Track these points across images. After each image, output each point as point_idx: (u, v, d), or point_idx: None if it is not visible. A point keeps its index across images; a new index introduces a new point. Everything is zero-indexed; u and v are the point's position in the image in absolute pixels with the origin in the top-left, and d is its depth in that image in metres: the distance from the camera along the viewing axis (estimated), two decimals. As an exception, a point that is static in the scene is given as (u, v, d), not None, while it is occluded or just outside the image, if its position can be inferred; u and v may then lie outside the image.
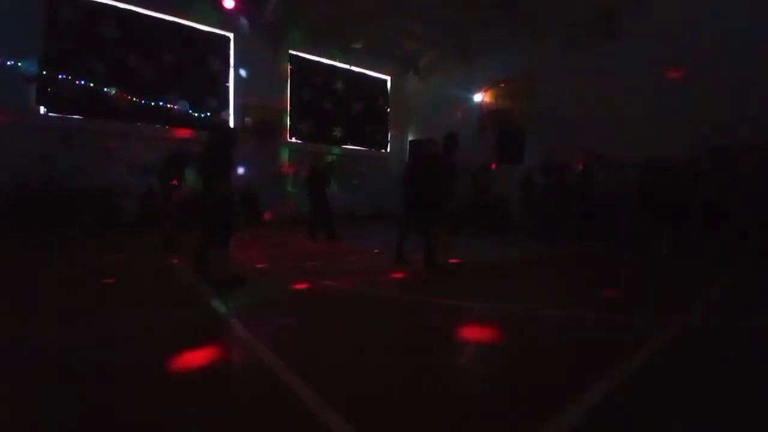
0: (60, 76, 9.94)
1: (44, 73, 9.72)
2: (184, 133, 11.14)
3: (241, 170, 10.64)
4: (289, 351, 2.35)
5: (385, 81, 16.55)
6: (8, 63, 9.23)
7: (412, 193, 4.99)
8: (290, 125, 14.04)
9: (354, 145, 15.54)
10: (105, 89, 10.45)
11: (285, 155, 13.74)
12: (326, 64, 14.82)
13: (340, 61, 14.73)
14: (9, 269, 4.86)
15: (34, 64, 9.52)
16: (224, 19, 11.98)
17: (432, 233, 4.90)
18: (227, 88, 12.68)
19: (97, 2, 10.59)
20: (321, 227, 8.05)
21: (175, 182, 6.26)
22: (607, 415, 1.70)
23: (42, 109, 9.97)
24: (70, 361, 2.21)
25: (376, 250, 6.78)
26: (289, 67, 13.97)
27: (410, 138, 16.04)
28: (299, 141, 14.27)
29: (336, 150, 14.83)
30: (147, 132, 11.13)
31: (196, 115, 11.72)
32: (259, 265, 5.29)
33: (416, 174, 5.03)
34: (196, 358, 2.29)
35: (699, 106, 7.87)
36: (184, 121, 11.50)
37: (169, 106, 11.32)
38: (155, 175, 6.90)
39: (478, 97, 13.26)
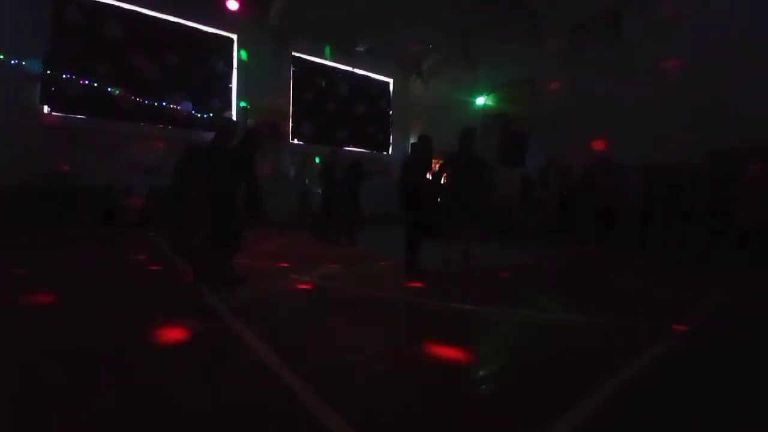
0: (64, 76, 9.96)
1: (48, 72, 9.73)
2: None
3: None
4: (289, 351, 2.36)
5: (387, 83, 16.58)
6: (12, 62, 9.25)
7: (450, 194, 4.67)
8: (292, 127, 14.07)
9: (356, 147, 15.56)
10: (109, 89, 10.47)
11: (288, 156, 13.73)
12: (329, 66, 14.86)
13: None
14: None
15: (38, 63, 9.54)
16: (228, 20, 12.03)
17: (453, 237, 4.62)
18: (230, 89, 12.72)
19: (101, 2, 10.63)
20: (338, 228, 7.55)
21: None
22: (608, 418, 1.72)
23: (46, 109, 9.98)
24: (67, 358, 2.23)
25: (379, 251, 6.79)
26: (291, 68, 14.01)
27: (412, 140, 16.06)
28: (301, 143, 14.30)
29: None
30: (150, 132, 11.16)
31: (199, 115, 11.74)
32: (261, 266, 5.30)
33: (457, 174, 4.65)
34: (195, 357, 2.30)
35: (701, 109, 7.90)
36: (187, 121, 11.52)
37: (172, 106, 11.34)
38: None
39: (480, 100, 13.30)
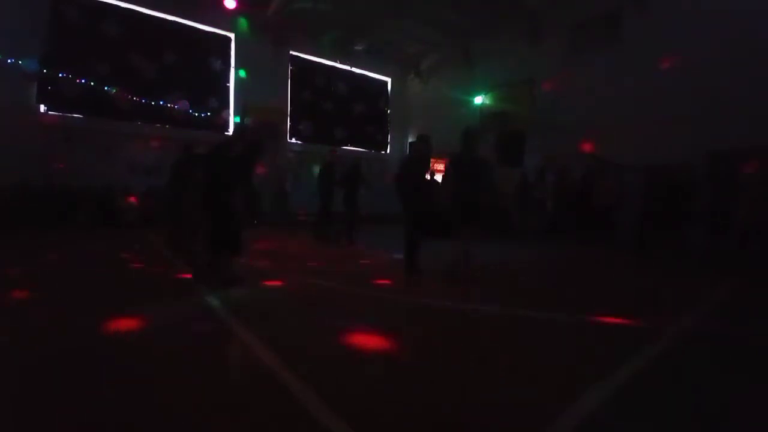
0: (61, 75, 9.94)
1: (45, 71, 9.72)
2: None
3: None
4: (289, 351, 2.36)
5: (385, 83, 16.58)
6: (9, 61, 9.23)
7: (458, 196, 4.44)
8: (290, 126, 14.07)
9: (354, 146, 15.56)
10: (106, 88, 10.45)
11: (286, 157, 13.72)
12: (327, 65, 14.85)
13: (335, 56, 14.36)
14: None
15: (35, 62, 9.52)
16: (226, 19, 12.02)
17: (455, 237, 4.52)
18: (228, 88, 12.71)
19: (99, 1, 10.61)
20: (337, 228, 7.59)
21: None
22: (608, 418, 1.72)
23: (42, 108, 9.97)
24: (67, 358, 2.22)
25: (379, 251, 6.79)
26: (290, 67, 14.00)
27: (410, 140, 16.07)
28: (299, 142, 14.30)
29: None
30: (147, 131, 11.15)
31: (196, 115, 11.73)
32: (260, 266, 5.29)
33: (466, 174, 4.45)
34: (194, 357, 2.30)
35: (700, 109, 7.90)
36: (185, 120, 11.51)
37: (169, 105, 11.32)
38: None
39: (478, 100, 13.29)
